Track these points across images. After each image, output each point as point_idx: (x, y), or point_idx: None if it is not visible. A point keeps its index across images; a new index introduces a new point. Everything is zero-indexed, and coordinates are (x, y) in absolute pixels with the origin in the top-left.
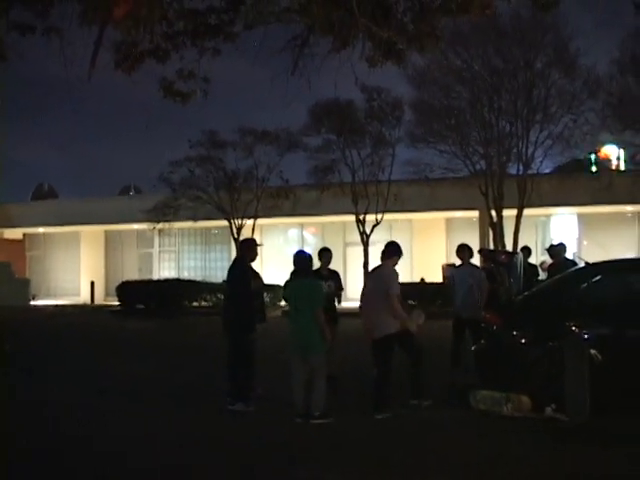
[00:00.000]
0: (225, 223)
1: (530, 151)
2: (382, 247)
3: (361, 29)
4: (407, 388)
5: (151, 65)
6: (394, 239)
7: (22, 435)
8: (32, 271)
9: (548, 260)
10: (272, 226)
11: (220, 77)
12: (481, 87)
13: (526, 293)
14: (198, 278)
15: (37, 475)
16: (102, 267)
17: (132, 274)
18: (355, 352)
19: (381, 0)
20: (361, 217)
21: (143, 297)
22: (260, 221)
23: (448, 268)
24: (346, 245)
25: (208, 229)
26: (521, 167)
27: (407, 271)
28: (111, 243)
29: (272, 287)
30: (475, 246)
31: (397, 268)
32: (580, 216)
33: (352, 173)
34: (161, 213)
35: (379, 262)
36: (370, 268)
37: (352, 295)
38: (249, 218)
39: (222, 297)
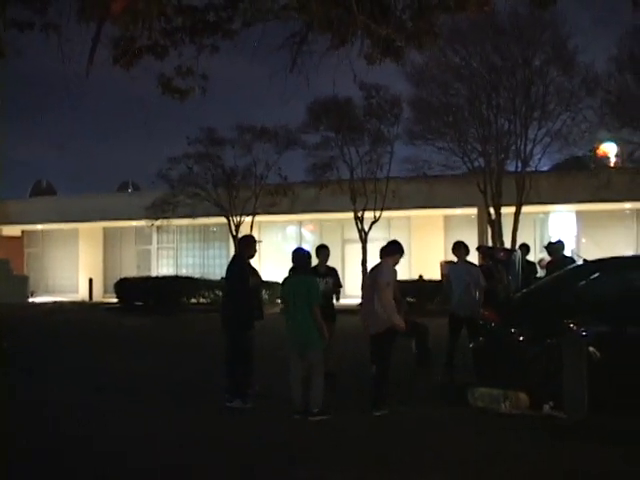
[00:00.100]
0: (223, 220)
1: (528, 148)
2: (380, 244)
3: (359, 26)
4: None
5: (149, 61)
6: (392, 236)
7: (22, 435)
8: (30, 268)
9: (546, 257)
10: (270, 223)
11: (218, 74)
12: (479, 84)
13: (524, 290)
14: (196, 275)
15: (37, 475)
16: (100, 264)
17: (130, 271)
18: (353, 349)
19: None
20: (359, 214)
21: (141, 294)
22: (258, 218)
23: (446, 265)
24: (344, 242)
25: (206, 226)
26: (519, 164)
27: (405, 268)
28: (109, 240)
29: (270, 284)
30: (473, 244)
31: (396, 266)
32: (578, 213)
33: (350, 170)
34: (159, 210)
35: (378, 260)
36: (368, 265)
37: (350, 292)
38: (247, 215)
39: (220, 294)
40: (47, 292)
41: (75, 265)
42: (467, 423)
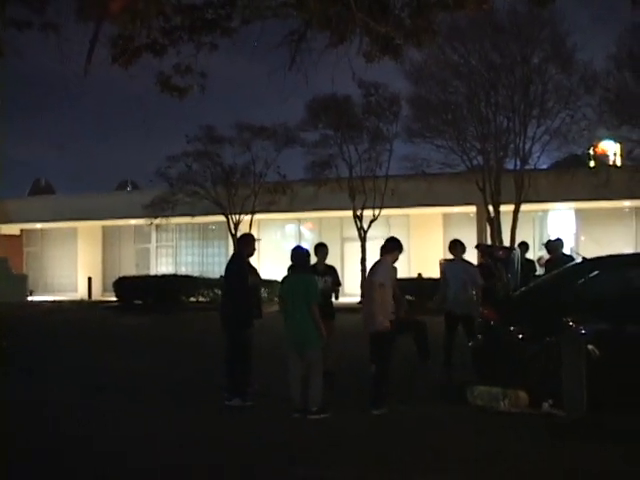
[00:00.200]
0: (222, 218)
1: (527, 146)
2: (379, 243)
3: (358, 24)
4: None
5: (148, 60)
6: (391, 234)
7: (22, 435)
8: (29, 267)
9: (545, 255)
10: (269, 221)
11: (217, 72)
12: (478, 82)
13: (523, 289)
14: (195, 273)
15: (37, 475)
16: (99, 263)
17: (129, 270)
18: (352, 348)
19: None
20: (358, 212)
21: (140, 293)
22: (257, 216)
23: (444, 264)
24: (343, 240)
25: (205, 224)
26: (518, 162)
27: (404, 267)
28: (108, 239)
29: (269, 282)
30: (472, 242)
31: (395, 263)
32: (577, 211)
33: (349, 168)
34: (158, 208)
35: (377, 258)
36: (367, 264)
37: (349, 291)
38: (246, 213)
39: (219, 293)
40: (46, 291)
41: (74, 264)
42: (466, 421)
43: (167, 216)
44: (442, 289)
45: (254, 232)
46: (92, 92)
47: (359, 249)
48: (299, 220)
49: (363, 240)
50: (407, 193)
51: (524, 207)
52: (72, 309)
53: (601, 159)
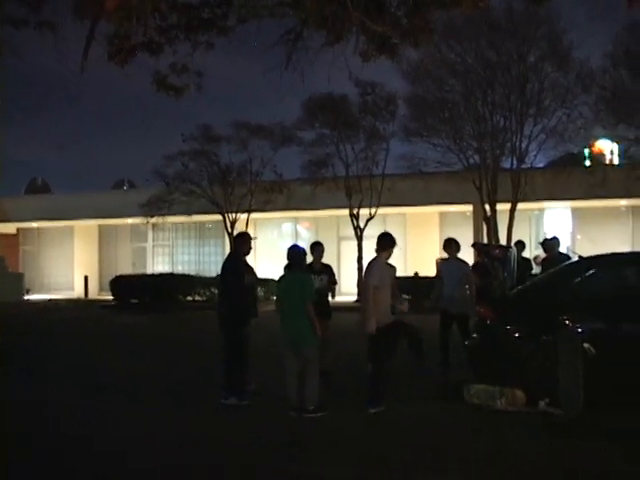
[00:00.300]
0: (219, 217)
1: (524, 145)
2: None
3: (355, 23)
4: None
5: (144, 59)
6: None
7: (22, 435)
8: (26, 266)
9: (542, 254)
10: (266, 220)
11: (214, 72)
12: (474, 81)
13: (520, 287)
14: (192, 272)
15: (37, 475)
16: (96, 261)
17: (126, 268)
18: (349, 347)
19: None
20: (355, 211)
21: (137, 291)
22: (254, 215)
23: (440, 262)
24: (340, 239)
25: (202, 223)
26: (515, 161)
27: (401, 265)
28: (105, 237)
29: (266, 281)
30: (469, 240)
31: (391, 262)
32: (574, 210)
33: (346, 167)
34: (155, 207)
35: (375, 254)
36: (364, 263)
37: (346, 290)
38: (243, 212)
39: (216, 291)
40: (43, 290)
41: (70, 263)
42: (463, 420)
43: (163, 215)
44: (438, 288)
45: (250, 231)
46: (91, 92)
47: (355, 248)
48: (296, 219)
49: (359, 239)
50: (404, 192)
51: (520, 206)
52: (68, 308)
53: (597, 158)
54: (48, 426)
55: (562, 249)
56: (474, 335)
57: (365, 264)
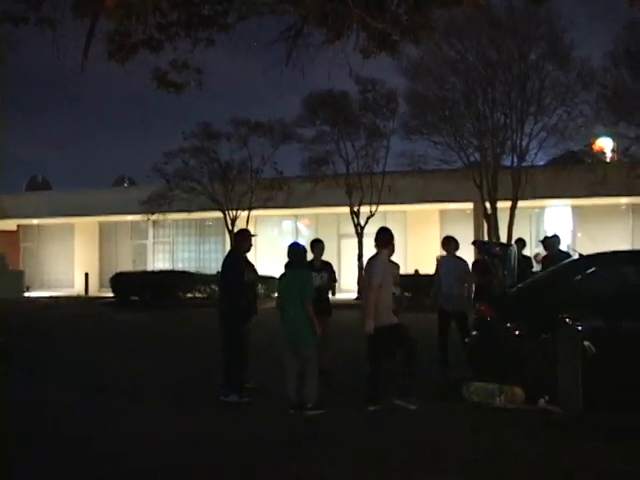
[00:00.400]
0: (219, 214)
1: (524, 143)
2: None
3: (355, 20)
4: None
5: (145, 56)
6: None
7: (22, 435)
8: (26, 263)
9: (542, 252)
10: (266, 218)
11: (214, 68)
12: (475, 79)
13: (520, 285)
14: (192, 269)
15: (37, 475)
16: (96, 258)
17: (126, 266)
18: (349, 345)
19: None
20: (355, 209)
21: (137, 288)
22: (254, 213)
23: (440, 260)
24: (340, 237)
25: (202, 220)
26: (515, 159)
27: (401, 263)
28: (105, 234)
29: (266, 278)
30: (469, 238)
31: (392, 256)
32: (574, 208)
33: (346, 165)
34: (155, 204)
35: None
36: (364, 260)
37: (346, 287)
38: (243, 210)
39: (216, 288)
40: (43, 287)
41: (71, 260)
42: (462, 419)
43: (164, 212)
44: (436, 285)
45: (251, 228)
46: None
47: (356, 245)
48: (296, 216)
49: (360, 236)
50: (404, 190)
51: (521, 204)
52: (69, 305)
53: (598, 156)
54: (48, 426)
55: (562, 247)
56: (474, 333)
57: (365, 262)
